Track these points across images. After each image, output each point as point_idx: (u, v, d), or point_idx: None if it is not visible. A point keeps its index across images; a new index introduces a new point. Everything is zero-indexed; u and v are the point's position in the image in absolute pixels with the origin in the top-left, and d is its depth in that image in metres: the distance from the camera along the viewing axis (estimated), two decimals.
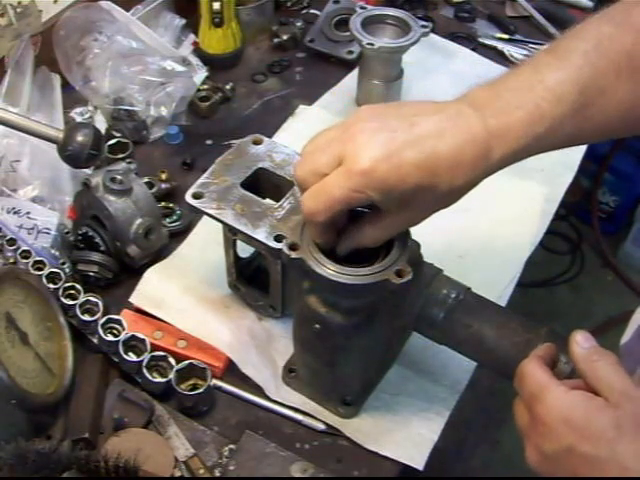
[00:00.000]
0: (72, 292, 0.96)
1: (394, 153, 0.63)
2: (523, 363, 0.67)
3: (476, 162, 0.64)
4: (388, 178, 0.63)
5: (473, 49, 1.46)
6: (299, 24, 1.46)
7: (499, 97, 0.66)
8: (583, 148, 1.26)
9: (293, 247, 0.74)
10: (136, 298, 0.99)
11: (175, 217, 1.11)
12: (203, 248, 1.07)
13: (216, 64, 1.39)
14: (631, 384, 0.61)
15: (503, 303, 1.03)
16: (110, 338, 0.92)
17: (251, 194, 0.89)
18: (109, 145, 1.14)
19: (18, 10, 1.20)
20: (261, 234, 0.85)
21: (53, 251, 1.01)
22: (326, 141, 0.67)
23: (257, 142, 0.95)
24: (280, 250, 0.77)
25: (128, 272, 1.03)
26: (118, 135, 1.19)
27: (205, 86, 1.32)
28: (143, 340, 0.92)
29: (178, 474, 0.85)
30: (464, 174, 0.65)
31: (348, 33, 1.31)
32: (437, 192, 0.65)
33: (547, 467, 0.62)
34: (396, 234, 0.72)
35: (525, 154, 0.68)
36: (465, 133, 0.64)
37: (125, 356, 0.91)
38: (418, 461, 0.87)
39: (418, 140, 0.64)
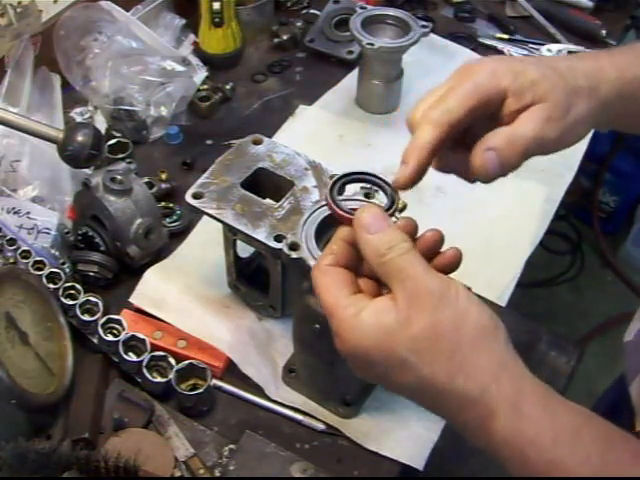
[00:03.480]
0: (72, 292, 0.96)
1: (512, 58, 0.67)
2: (315, 268, 0.59)
3: (592, 72, 0.66)
4: (514, 65, 0.64)
5: (473, 49, 1.46)
6: (299, 24, 1.46)
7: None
8: (583, 148, 1.26)
9: (293, 247, 0.74)
10: (136, 298, 0.99)
11: (175, 217, 1.11)
12: (203, 248, 1.07)
13: (216, 64, 1.39)
14: (427, 275, 0.55)
15: (503, 303, 1.03)
16: (110, 338, 0.92)
17: (251, 194, 0.89)
18: (109, 145, 1.14)
19: (18, 10, 1.20)
20: (261, 234, 0.85)
21: (53, 251, 1.01)
22: (438, 86, 0.65)
23: (257, 142, 0.95)
24: (280, 250, 0.77)
25: (128, 272, 1.03)
26: (118, 135, 1.19)
27: (205, 86, 1.32)
28: (143, 340, 0.92)
29: (178, 474, 0.85)
30: (585, 76, 0.65)
31: (348, 33, 1.31)
32: (564, 83, 0.64)
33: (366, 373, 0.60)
34: (536, 135, 0.62)
35: (637, 86, 0.68)
36: (573, 57, 0.71)
37: (125, 356, 0.91)
38: (418, 461, 0.88)
39: (532, 58, 0.71)
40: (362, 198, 0.78)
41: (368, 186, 0.72)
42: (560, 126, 0.63)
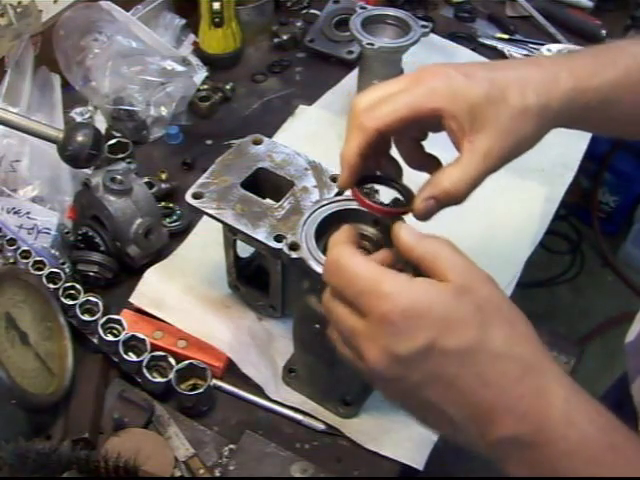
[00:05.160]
0: (72, 292, 0.96)
1: (464, 69, 0.64)
2: (336, 254, 0.57)
3: (546, 84, 0.65)
4: (457, 84, 0.62)
5: (473, 49, 1.46)
6: (299, 24, 1.46)
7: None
8: (583, 148, 1.26)
9: (293, 247, 0.74)
10: (136, 298, 0.99)
11: (175, 217, 1.11)
12: (203, 248, 1.07)
13: (216, 64, 1.39)
14: (474, 265, 0.56)
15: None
16: (110, 338, 0.92)
17: (251, 194, 0.89)
18: (109, 145, 1.14)
19: (18, 10, 1.20)
20: (261, 234, 0.85)
21: (53, 251, 1.01)
22: (388, 82, 0.66)
23: (257, 142, 0.95)
24: (280, 250, 0.77)
25: (128, 272, 1.03)
26: (118, 135, 1.19)
27: (205, 86, 1.32)
28: (143, 340, 0.92)
29: (178, 474, 0.85)
30: (535, 93, 0.64)
31: (348, 33, 1.31)
32: (509, 108, 0.63)
33: (398, 371, 0.53)
34: (478, 172, 0.63)
35: (597, 96, 0.67)
36: (532, 64, 0.68)
37: (125, 356, 0.91)
38: (418, 461, 0.88)
39: (489, 65, 0.68)
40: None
41: (368, 186, 0.73)
42: (503, 153, 0.64)
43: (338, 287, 0.57)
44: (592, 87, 0.66)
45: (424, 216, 0.64)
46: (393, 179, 0.69)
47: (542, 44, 1.46)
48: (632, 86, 0.69)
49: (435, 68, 0.64)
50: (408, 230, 0.58)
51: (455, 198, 0.63)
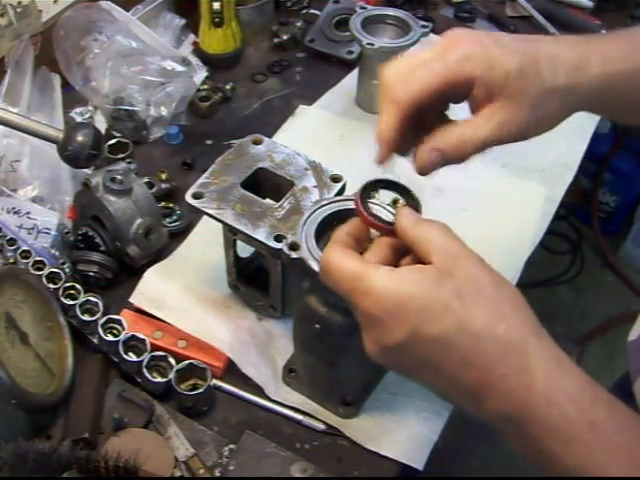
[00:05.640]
0: (72, 292, 0.96)
1: (498, 37, 0.62)
2: (325, 255, 0.59)
3: (577, 66, 0.63)
4: (492, 53, 0.61)
5: None
6: (299, 24, 1.46)
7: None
8: (583, 148, 1.26)
9: (293, 247, 0.74)
10: (136, 298, 0.99)
11: (175, 217, 1.11)
12: (203, 248, 1.07)
13: (216, 64, 1.39)
14: (463, 244, 0.57)
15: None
16: (110, 338, 0.92)
17: (251, 194, 0.89)
18: (109, 145, 1.14)
19: (18, 10, 1.20)
20: (261, 234, 0.85)
21: (53, 251, 1.01)
22: (420, 50, 0.64)
23: (257, 142, 0.95)
24: (280, 250, 0.77)
25: (128, 272, 1.03)
26: (118, 135, 1.19)
27: (205, 86, 1.32)
28: (143, 340, 0.92)
29: (178, 474, 0.85)
30: (565, 73, 0.63)
31: (348, 33, 1.31)
32: (540, 83, 0.62)
33: (392, 360, 0.57)
34: (490, 137, 0.62)
35: (624, 79, 0.66)
36: (564, 43, 0.65)
37: (125, 356, 0.91)
38: (418, 461, 0.87)
39: (521, 38, 0.65)
40: None
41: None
42: (520, 126, 0.63)
43: (331, 286, 0.58)
44: (620, 71, 0.65)
45: (425, 168, 0.64)
46: (401, 185, 0.67)
47: None
48: None
49: (467, 34, 0.63)
50: (407, 214, 0.59)
51: (459, 156, 0.63)
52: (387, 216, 0.65)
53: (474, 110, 0.63)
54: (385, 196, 0.69)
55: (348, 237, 0.61)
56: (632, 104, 0.70)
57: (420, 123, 0.65)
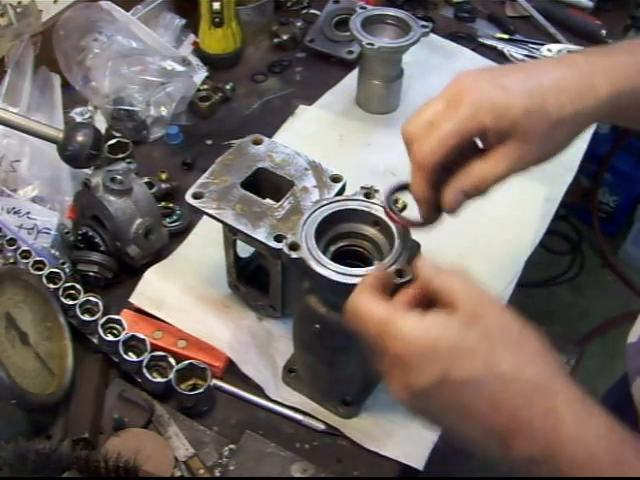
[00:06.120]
0: (72, 292, 0.96)
1: (500, 80, 0.65)
2: (353, 300, 0.60)
3: (582, 91, 0.66)
4: (497, 101, 0.64)
5: (473, 49, 1.46)
6: (299, 24, 1.46)
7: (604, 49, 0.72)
8: (583, 148, 1.26)
9: (293, 247, 0.74)
10: (136, 298, 0.99)
11: (175, 217, 1.11)
12: (203, 248, 1.07)
13: (216, 64, 1.39)
14: (486, 291, 0.58)
15: (503, 303, 1.03)
16: (110, 338, 0.92)
17: (251, 194, 0.89)
18: (109, 145, 1.14)
19: (18, 10, 1.20)
20: (261, 234, 0.85)
21: (53, 251, 1.01)
22: (431, 103, 0.68)
23: (257, 142, 0.95)
24: (280, 250, 0.77)
25: (128, 272, 1.03)
26: (118, 135, 1.19)
27: (205, 86, 1.32)
28: (143, 340, 0.92)
29: (178, 474, 0.85)
30: (571, 102, 0.65)
31: (348, 33, 1.31)
32: (547, 120, 0.65)
33: (419, 404, 0.57)
34: (507, 173, 0.68)
35: (632, 97, 0.67)
36: (567, 66, 0.68)
37: (125, 356, 0.91)
38: (418, 461, 0.88)
39: (523, 70, 0.68)
40: (362, 198, 0.78)
41: (368, 186, 0.73)
42: (533, 158, 0.68)
43: (358, 330, 0.59)
44: (628, 90, 0.67)
45: (453, 208, 0.69)
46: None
47: (542, 44, 1.46)
48: None
49: (472, 82, 0.66)
50: (427, 266, 0.61)
51: (480, 193, 0.68)
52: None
53: (487, 146, 0.67)
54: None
55: (376, 281, 0.63)
56: None
57: (445, 166, 0.69)
